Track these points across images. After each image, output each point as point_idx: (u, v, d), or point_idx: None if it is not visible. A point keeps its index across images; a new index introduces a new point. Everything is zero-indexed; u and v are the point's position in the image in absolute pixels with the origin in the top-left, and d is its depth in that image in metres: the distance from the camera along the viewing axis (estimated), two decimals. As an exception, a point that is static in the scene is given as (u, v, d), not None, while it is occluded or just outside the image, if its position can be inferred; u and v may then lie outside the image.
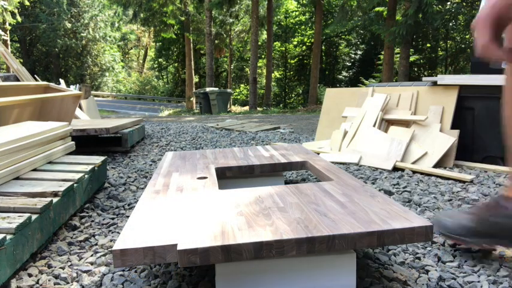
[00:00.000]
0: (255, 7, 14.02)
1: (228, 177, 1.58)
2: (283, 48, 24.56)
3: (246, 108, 15.62)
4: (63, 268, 1.13)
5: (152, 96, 28.00)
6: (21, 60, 18.50)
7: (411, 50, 13.83)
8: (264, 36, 18.72)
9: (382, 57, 13.93)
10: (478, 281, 1.02)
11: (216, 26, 18.13)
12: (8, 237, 1.00)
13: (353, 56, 23.35)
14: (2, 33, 16.89)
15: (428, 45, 19.46)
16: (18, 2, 17.21)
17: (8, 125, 1.91)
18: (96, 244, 1.31)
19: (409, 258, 1.15)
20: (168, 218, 0.97)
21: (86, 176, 1.62)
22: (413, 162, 2.42)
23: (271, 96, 17.53)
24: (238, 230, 0.88)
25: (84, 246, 1.29)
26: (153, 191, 1.22)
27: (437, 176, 2.18)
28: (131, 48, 34.49)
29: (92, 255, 1.21)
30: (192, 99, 15.59)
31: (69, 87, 5.72)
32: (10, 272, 1.01)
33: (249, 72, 17.98)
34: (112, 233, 1.41)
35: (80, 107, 4.76)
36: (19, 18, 18.02)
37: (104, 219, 1.53)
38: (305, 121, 5.97)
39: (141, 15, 16.32)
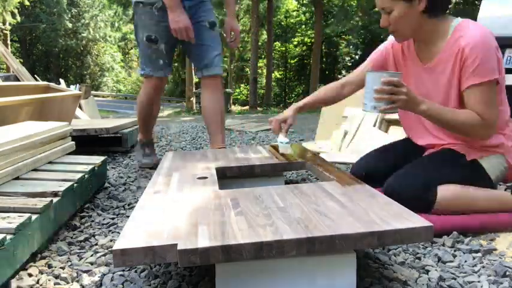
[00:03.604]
0: (255, 7, 14.02)
1: (228, 177, 1.58)
2: (283, 48, 24.56)
3: (246, 108, 15.62)
4: (63, 268, 1.13)
5: (152, 96, 27.90)
6: (21, 60, 18.49)
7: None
8: (264, 36, 18.70)
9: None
10: (478, 281, 1.01)
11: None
12: (8, 237, 1.00)
13: (353, 56, 23.35)
14: (2, 26, 16.87)
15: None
16: (18, 2, 17.19)
17: (8, 125, 1.91)
18: (96, 244, 1.31)
19: (410, 258, 1.15)
20: (168, 217, 0.97)
21: (86, 176, 1.62)
22: (414, 162, 2.41)
23: (271, 96, 17.53)
24: (238, 230, 0.88)
25: (84, 246, 1.29)
26: (153, 191, 1.22)
27: (437, 176, 2.17)
28: (131, 48, 34.43)
29: (92, 255, 1.21)
30: (192, 99, 15.56)
31: (69, 87, 5.72)
32: (10, 272, 1.01)
33: (249, 72, 17.97)
34: (112, 233, 1.41)
35: (80, 107, 4.76)
36: (19, 18, 18.01)
37: (104, 219, 1.53)
38: (305, 121, 5.96)
39: (141, 15, 16.29)
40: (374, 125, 2.77)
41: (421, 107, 1.27)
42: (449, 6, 1.37)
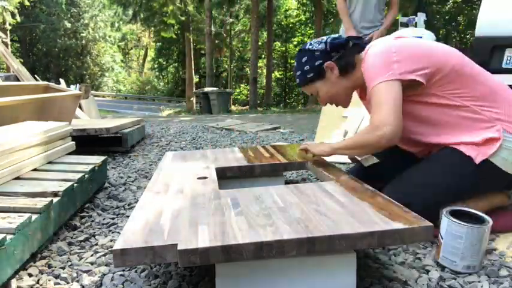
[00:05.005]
0: (255, 7, 14.01)
1: (229, 177, 1.58)
2: (283, 48, 24.56)
3: (247, 108, 15.62)
4: (63, 268, 1.13)
5: (152, 96, 27.99)
6: (21, 60, 18.48)
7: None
8: (264, 36, 18.72)
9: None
10: (479, 281, 1.02)
11: (216, 26, 18.12)
12: (8, 237, 1.00)
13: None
14: (3, 35, 16.90)
15: (428, 45, 19.34)
16: (18, 2, 17.20)
17: (8, 125, 1.91)
18: (96, 244, 1.31)
19: (410, 258, 1.15)
20: (168, 217, 0.97)
21: (86, 176, 1.62)
22: (414, 162, 2.41)
23: (271, 96, 17.53)
24: (238, 230, 0.88)
25: (84, 246, 1.29)
26: (154, 191, 1.22)
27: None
28: (131, 48, 34.46)
29: (92, 255, 1.21)
30: (192, 99, 15.57)
31: (69, 87, 5.72)
32: (10, 272, 1.01)
33: (249, 72, 17.97)
34: (112, 233, 1.41)
35: (80, 107, 4.76)
36: (19, 18, 18.03)
37: (104, 219, 1.53)
38: (305, 121, 5.97)
39: (141, 15, 16.31)
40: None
41: (334, 150, 1.39)
42: (353, 61, 1.37)
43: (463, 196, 1.27)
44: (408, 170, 1.34)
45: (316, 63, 1.36)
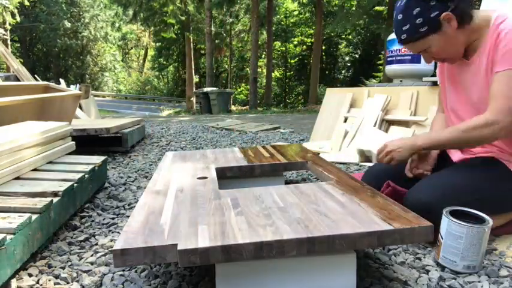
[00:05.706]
0: (255, 7, 14.01)
1: (229, 177, 1.58)
2: (283, 48, 24.57)
3: (247, 108, 15.62)
4: (63, 268, 1.13)
5: (152, 96, 28.00)
6: (21, 60, 18.49)
7: (411, 49, 13.75)
8: (264, 36, 18.72)
9: (382, 57, 13.94)
10: (479, 281, 1.01)
11: (216, 26, 18.14)
12: (8, 237, 1.00)
13: (353, 55, 23.37)
14: (2, 31, 16.91)
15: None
16: (18, 2, 17.21)
17: (8, 125, 1.91)
18: (96, 244, 1.31)
19: (410, 258, 1.15)
20: (168, 217, 0.97)
21: (86, 176, 1.62)
22: (414, 162, 2.41)
23: (271, 95, 17.53)
24: (238, 230, 0.88)
25: (84, 246, 1.29)
26: (154, 190, 1.22)
27: (437, 176, 2.17)
28: (131, 48, 34.47)
29: (92, 255, 1.21)
30: (192, 99, 15.57)
31: (69, 87, 5.72)
32: (10, 272, 1.01)
33: (249, 72, 17.98)
34: (112, 232, 1.41)
35: (80, 107, 4.76)
36: (19, 18, 18.04)
37: (104, 219, 1.53)
38: (305, 121, 5.97)
39: (141, 15, 16.31)
40: (374, 125, 2.76)
41: (418, 144, 1.26)
42: (469, 12, 1.21)
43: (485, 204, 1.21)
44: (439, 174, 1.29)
45: (432, 15, 1.17)
